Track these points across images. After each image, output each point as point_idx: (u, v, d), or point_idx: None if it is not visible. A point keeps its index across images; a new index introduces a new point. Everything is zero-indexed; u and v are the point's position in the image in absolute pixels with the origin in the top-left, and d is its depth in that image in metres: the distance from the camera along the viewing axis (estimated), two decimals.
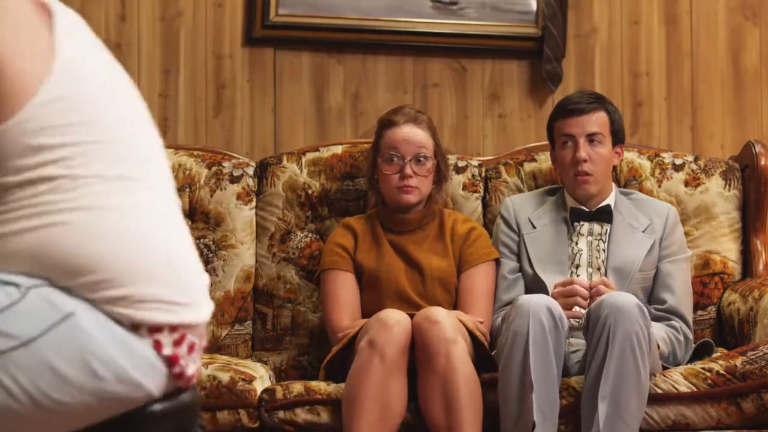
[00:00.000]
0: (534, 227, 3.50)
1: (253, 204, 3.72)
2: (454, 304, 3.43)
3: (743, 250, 3.71)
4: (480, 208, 3.72)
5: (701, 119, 4.12)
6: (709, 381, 3.09)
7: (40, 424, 1.60)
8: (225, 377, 3.15)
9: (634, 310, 2.97)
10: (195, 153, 3.77)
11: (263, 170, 3.74)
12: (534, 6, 4.02)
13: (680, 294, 3.44)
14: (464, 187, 3.73)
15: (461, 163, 3.76)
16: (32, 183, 1.60)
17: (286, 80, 4.04)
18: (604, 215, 3.47)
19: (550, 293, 3.24)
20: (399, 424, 3.05)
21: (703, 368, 3.12)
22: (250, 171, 3.74)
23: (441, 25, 4.02)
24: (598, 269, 3.42)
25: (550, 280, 3.34)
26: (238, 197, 3.70)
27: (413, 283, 3.42)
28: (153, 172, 1.72)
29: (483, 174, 3.77)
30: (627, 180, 3.73)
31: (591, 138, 3.44)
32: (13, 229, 1.60)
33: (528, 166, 3.77)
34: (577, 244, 3.46)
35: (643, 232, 3.47)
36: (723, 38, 4.13)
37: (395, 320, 3.07)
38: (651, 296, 3.45)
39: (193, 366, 1.70)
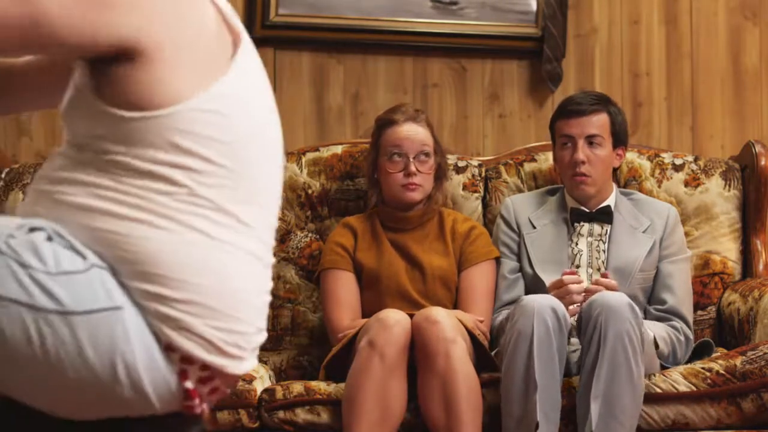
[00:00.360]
0: (534, 227, 3.50)
1: None
2: (455, 303, 3.43)
3: (743, 250, 3.71)
4: (480, 208, 3.72)
5: (701, 119, 4.12)
6: (709, 381, 3.09)
7: (46, 390, 1.61)
8: None
9: (625, 309, 2.98)
10: None
11: None
12: (534, 6, 4.02)
13: (680, 294, 3.44)
14: (464, 187, 3.73)
15: (461, 163, 3.76)
16: (154, 177, 1.62)
17: (286, 80, 4.04)
18: (605, 216, 3.47)
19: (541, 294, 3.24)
20: (399, 424, 3.06)
21: (702, 368, 3.12)
22: None
23: (441, 25, 4.02)
24: (598, 270, 3.42)
25: (550, 280, 3.34)
26: None
27: (414, 282, 3.42)
28: (262, 224, 1.74)
29: (483, 174, 3.77)
30: (627, 180, 3.73)
31: (590, 140, 3.44)
32: (113, 210, 1.61)
33: (528, 166, 3.77)
34: (577, 244, 3.46)
35: (643, 232, 3.47)
36: (723, 38, 4.13)
37: (395, 320, 3.08)
38: (651, 296, 3.46)
39: (206, 405, 1.70)
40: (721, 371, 3.09)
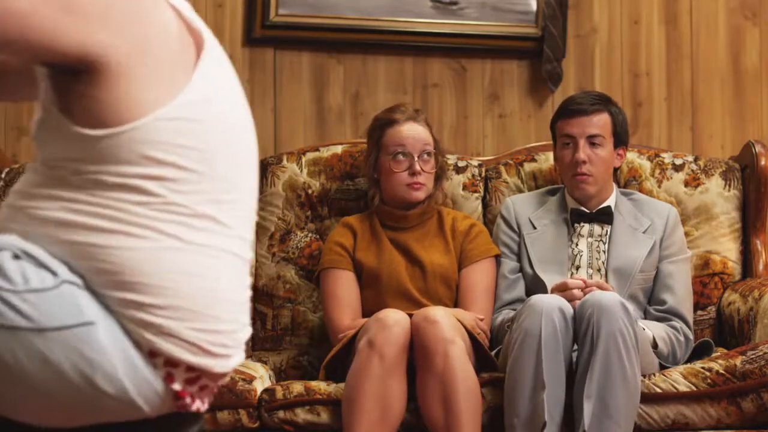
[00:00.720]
0: (534, 228, 3.50)
1: None
2: (455, 301, 3.43)
3: (743, 250, 3.71)
4: (480, 208, 3.72)
5: (701, 119, 4.12)
6: (709, 380, 3.09)
7: (28, 405, 1.61)
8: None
9: (618, 308, 2.98)
10: None
11: (263, 170, 3.74)
12: (534, 6, 4.02)
13: (680, 294, 3.44)
14: (464, 187, 3.73)
15: (461, 163, 3.76)
16: (128, 189, 1.62)
17: (286, 80, 4.04)
18: (605, 216, 3.47)
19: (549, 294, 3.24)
20: (399, 424, 3.06)
21: (702, 368, 3.12)
22: None
23: (441, 25, 4.02)
24: (599, 270, 3.42)
25: (550, 280, 3.34)
26: None
27: (414, 280, 3.42)
28: (240, 222, 1.74)
29: (483, 174, 3.77)
30: (627, 180, 3.73)
31: (591, 139, 3.44)
32: (89, 223, 1.61)
33: (528, 166, 3.77)
34: (577, 245, 3.46)
35: (643, 232, 3.47)
36: (723, 38, 4.13)
37: (394, 320, 3.08)
38: (651, 297, 3.45)
39: (199, 403, 1.70)
40: (721, 371, 3.09)
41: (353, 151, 3.72)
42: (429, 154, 3.47)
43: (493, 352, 3.27)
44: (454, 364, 3.01)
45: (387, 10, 4.00)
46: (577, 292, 3.15)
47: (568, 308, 3.04)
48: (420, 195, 3.46)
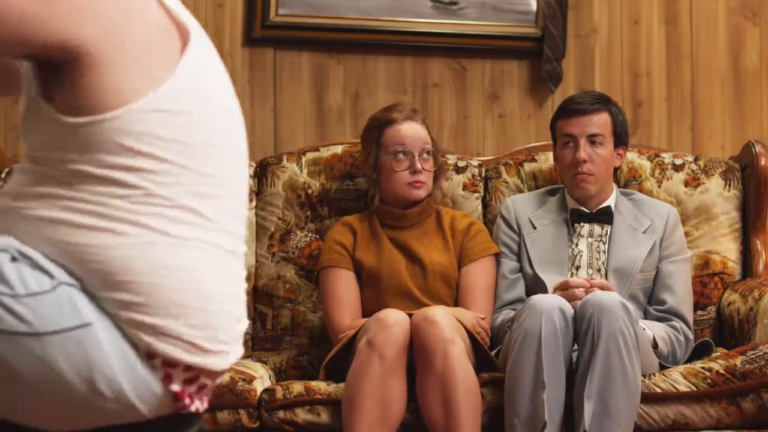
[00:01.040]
0: (534, 228, 3.50)
1: (253, 204, 3.73)
2: (455, 299, 3.43)
3: (743, 250, 3.71)
4: (480, 208, 3.72)
5: (701, 119, 4.12)
6: (709, 380, 3.09)
7: (26, 408, 1.61)
8: (225, 377, 3.15)
9: (618, 308, 2.98)
10: None
11: (263, 170, 3.75)
12: (534, 6, 4.02)
13: (681, 294, 3.44)
14: (464, 187, 3.73)
15: (461, 163, 3.76)
16: (108, 182, 1.61)
17: (286, 80, 4.04)
18: (605, 216, 3.47)
19: (550, 294, 3.24)
20: (399, 424, 3.06)
21: (702, 368, 3.12)
22: (250, 171, 3.74)
23: (441, 25, 4.02)
24: (599, 270, 3.42)
25: (550, 280, 3.35)
26: None
27: (414, 279, 3.42)
28: (229, 216, 1.72)
29: (483, 174, 3.77)
30: (627, 180, 3.73)
31: (592, 139, 3.44)
32: (73, 220, 1.61)
33: (528, 166, 3.77)
34: (577, 245, 3.46)
35: (643, 232, 3.47)
36: (723, 38, 4.13)
37: (394, 320, 3.08)
38: (651, 297, 3.45)
39: (198, 403, 1.70)
40: (721, 371, 3.09)
41: (353, 151, 3.72)
42: (429, 152, 3.48)
43: (493, 352, 3.27)
44: (453, 364, 3.01)
45: (387, 10, 4.00)
46: (578, 291, 3.15)
47: (568, 308, 3.05)
48: (421, 193, 3.46)
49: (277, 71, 4.03)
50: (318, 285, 3.54)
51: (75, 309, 1.58)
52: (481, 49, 4.07)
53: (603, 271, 3.41)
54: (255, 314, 3.69)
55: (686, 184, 3.73)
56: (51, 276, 1.59)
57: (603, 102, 3.49)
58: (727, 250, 3.69)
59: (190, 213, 1.66)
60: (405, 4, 4.01)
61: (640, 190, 3.68)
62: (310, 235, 3.71)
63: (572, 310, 3.05)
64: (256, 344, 3.69)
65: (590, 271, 3.42)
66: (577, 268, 3.43)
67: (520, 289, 3.45)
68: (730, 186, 3.72)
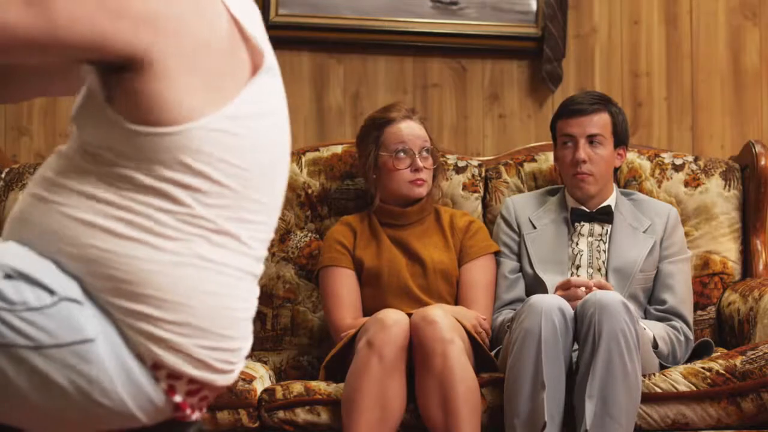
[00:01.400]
0: (534, 227, 3.50)
1: None
2: (456, 297, 3.44)
3: (743, 250, 3.71)
4: (480, 208, 3.72)
5: (701, 119, 4.12)
6: (709, 380, 3.09)
7: (26, 417, 1.61)
8: None
9: (619, 308, 2.98)
10: None
11: None
12: (534, 6, 4.02)
13: (681, 294, 3.44)
14: (464, 187, 3.73)
15: (461, 163, 3.76)
16: (158, 194, 1.60)
17: (286, 80, 3.97)
18: (605, 216, 3.47)
19: (550, 293, 3.24)
20: (398, 424, 3.06)
21: (702, 368, 3.12)
22: None
23: (441, 25, 4.02)
24: (599, 270, 3.42)
25: (551, 280, 3.35)
26: None
27: (415, 277, 3.42)
28: (260, 243, 1.73)
29: (483, 174, 3.77)
30: (627, 180, 3.73)
31: (591, 139, 3.44)
32: (111, 228, 1.60)
33: (528, 166, 3.77)
34: (577, 244, 3.46)
35: (643, 232, 3.47)
36: (723, 38, 4.13)
37: (393, 320, 3.08)
38: (651, 297, 3.46)
39: (198, 413, 1.70)
40: (721, 371, 3.09)
41: (353, 151, 3.72)
42: (428, 150, 3.49)
43: (493, 352, 3.27)
44: (452, 364, 3.01)
45: (387, 10, 4.00)
46: (580, 291, 3.15)
47: (568, 308, 3.05)
48: (422, 191, 3.47)
49: None
50: (318, 284, 3.54)
51: (76, 324, 1.57)
52: (481, 49, 4.07)
53: (603, 271, 3.41)
54: (255, 314, 3.68)
55: (686, 184, 3.73)
56: (51, 292, 1.58)
57: (603, 102, 3.49)
58: (727, 250, 3.69)
59: (230, 238, 1.66)
60: (405, 4, 4.01)
61: (640, 190, 3.68)
62: (309, 234, 3.71)
63: (572, 310, 3.05)
64: (256, 344, 3.67)
65: (590, 271, 3.42)
66: (578, 267, 3.43)
67: (520, 289, 3.46)
68: (730, 186, 3.72)
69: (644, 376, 3.07)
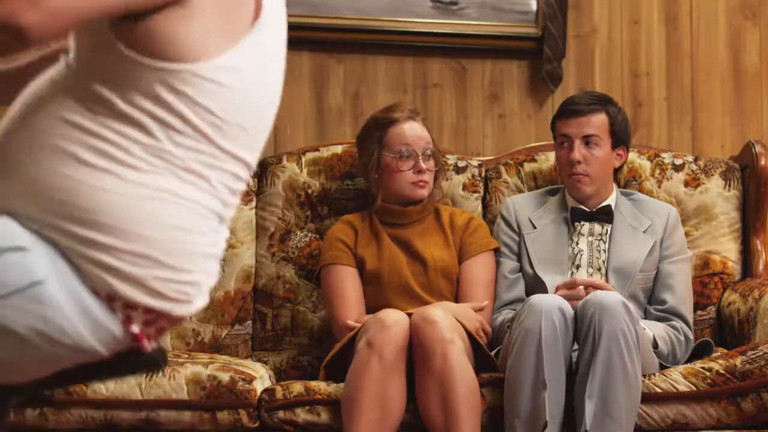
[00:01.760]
0: (534, 227, 3.50)
1: (253, 204, 3.73)
2: (456, 295, 3.44)
3: (743, 250, 3.71)
4: (480, 208, 3.72)
5: (701, 119, 4.12)
6: (709, 380, 3.09)
7: None
8: (225, 377, 3.15)
9: (619, 308, 2.98)
10: None
11: (263, 170, 3.75)
12: (534, 6, 4.02)
13: (681, 294, 3.44)
14: (464, 187, 3.73)
15: (461, 163, 3.76)
16: (133, 123, 1.61)
17: (286, 80, 3.99)
18: (605, 215, 3.47)
19: (550, 293, 3.24)
20: (398, 424, 3.06)
21: (702, 368, 3.12)
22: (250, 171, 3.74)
23: (441, 25, 4.02)
24: (599, 270, 3.42)
25: (550, 280, 3.35)
26: None
27: (416, 276, 3.42)
28: (231, 191, 1.73)
29: (483, 174, 3.77)
30: (627, 180, 3.73)
31: (587, 140, 3.44)
32: (81, 156, 1.60)
33: (528, 166, 3.77)
34: (577, 244, 3.46)
35: (644, 232, 3.47)
36: (723, 38, 4.13)
37: (393, 320, 3.08)
38: (651, 297, 3.46)
39: (155, 343, 1.70)
40: (721, 371, 3.09)
41: (353, 151, 3.72)
42: (431, 152, 3.49)
43: (492, 352, 3.27)
44: (452, 364, 3.01)
45: (387, 10, 4.00)
46: (581, 292, 3.15)
47: (568, 308, 3.05)
48: (424, 193, 3.48)
49: None
50: (319, 284, 3.54)
51: (24, 269, 1.57)
52: (481, 49, 4.07)
53: (603, 271, 3.41)
54: (255, 314, 3.69)
55: (686, 184, 3.73)
56: None
57: (601, 102, 3.49)
58: (727, 250, 3.69)
59: (198, 178, 1.66)
60: (405, 4, 4.01)
61: (640, 191, 3.67)
62: (310, 234, 3.71)
63: (572, 310, 3.05)
64: (256, 344, 3.69)
65: (590, 271, 3.42)
66: (578, 267, 3.43)
67: (520, 289, 3.46)
68: (730, 186, 3.72)
69: (644, 376, 3.07)
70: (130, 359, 1.71)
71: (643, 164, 3.75)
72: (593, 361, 2.95)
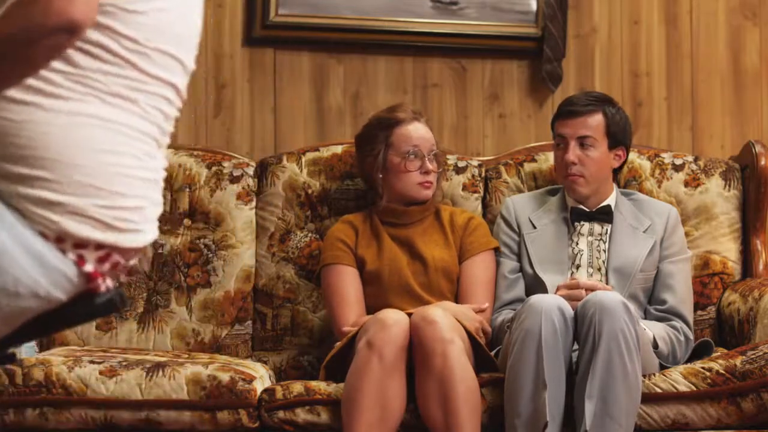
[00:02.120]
0: (534, 227, 3.50)
1: (253, 204, 3.73)
2: (456, 294, 3.44)
3: (743, 250, 3.71)
4: (480, 208, 3.72)
5: (701, 119, 4.12)
6: (709, 380, 3.09)
7: None
8: (225, 377, 3.15)
9: (619, 308, 2.98)
10: (195, 153, 3.77)
11: (263, 170, 3.75)
12: (534, 6, 4.02)
13: (681, 294, 3.45)
14: (464, 187, 3.73)
15: (461, 163, 3.76)
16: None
17: (286, 80, 4.04)
18: (605, 215, 3.47)
19: (550, 293, 3.24)
20: (398, 425, 3.06)
21: (702, 368, 3.12)
22: (250, 171, 3.74)
23: (441, 25, 4.02)
24: (599, 269, 3.42)
25: (550, 280, 3.35)
26: (238, 197, 3.71)
27: (416, 275, 3.43)
28: (164, 115, 1.72)
29: (483, 174, 3.77)
30: (627, 180, 3.73)
31: (582, 141, 3.44)
32: (6, 94, 1.59)
33: (528, 166, 3.77)
34: (577, 244, 3.46)
35: (644, 232, 3.47)
36: (723, 38, 4.13)
37: (394, 320, 3.08)
38: (651, 297, 3.46)
39: (111, 281, 1.70)
40: (721, 371, 3.09)
41: (353, 151, 3.72)
42: (436, 154, 3.50)
43: (492, 352, 3.27)
44: (452, 364, 3.01)
45: (387, 10, 4.00)
46: (582, 293, 3.16)
47: (568, 308, 3.05)
48: (429, 193, 3.49)
49: (277, 71, 4.03)
50: (319, 283, 3.54)
51: None
52: (481, 49, 4.07)
53: (603, 271, 3.41)
54: (255, 314, 3.69)
55: (686, 184, 3.73)
56: None
57: (599, 103, 3.48)
58: (727, 250, 3.69)
59: (125, 101, 1.66)
60: (405, 4, 4.01)
61: (640, 190, 3.68)
62: (310, 235, 3.71)
63: (572, 311, 3.05)
64: (256, 344, 3.69)
65: (590, 271, 3.42)
66: (578, 267, 3.43)
67: (519, 289, 3.46)
68: (730, 186, 3.72)
69: (644, 376, 3.07)
70: (87, 302, 1.69)
71: (643, 164, 3.75)
72: (593, 361, 2.95)
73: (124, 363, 3.19)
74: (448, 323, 3.08)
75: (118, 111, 1.65)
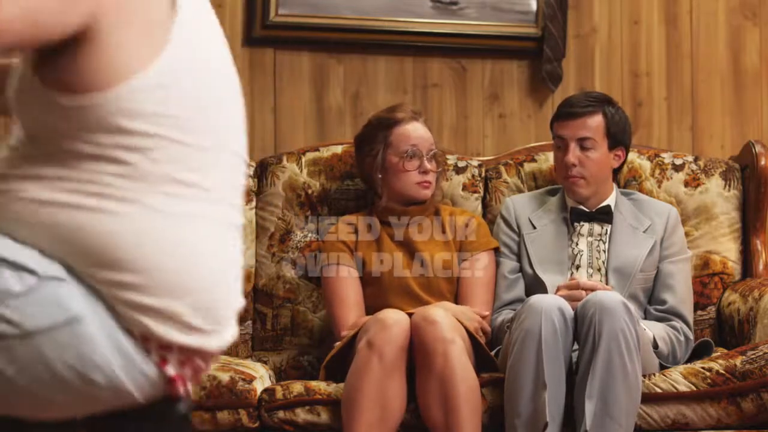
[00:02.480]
0: (534, 227, 3.50)
1: (253, 204, 3.73)
2: (456, 294, 3.44)
3: (743, 250, 3.71)
4: (480, 208, 3.72)
5: (701, 119, 4.12)
6: (709, 380, 3.09)
7: (20, 405, 1.59)
8: (225, 377, 3.15)
9: (620, 308, 2.98)
10: None
11: (263, 170, 3.74)
12: (534, 6, 4.02)
13: (681, 294, 3.45)
14: (464, 187, 3.73)
15: (461, 163, 3.76)
16: (106, 160, 1.58)
17: (286, 80, 4.04)
18: (605, 215, 3.47)
19: (550, 294, 3.24)
20: (398, 425, 3.06)
21: (702, 368, 3.12)
22: (250, 171, 3.74)
23: (441, 25, 4.02)
24: (599, 270, 3.42)
25: (550, 280, 3.35)
26: None
27: (416, 275, 3.43)
28: (227, 185, 1.69)
29: (483, 174, 3.77)
30: (627, 180, 3.73)
31: (582, 142, 3.44)
32: (69, 201, 1.57)
33: (528, 167, 3.77)
34: (577, 244, 3.46)
35: (643, 232, 3.47)
36: (723, 38, 4.13)
37: (394, 320, 3.08)
38: (651, 297, 3.46)
39: (190, 386, 1.68)
40: (721, 371, 3.09)
41: (353, 151, 3.72)
42: (435, 153, 3.50)
43: (492, 352, 3.27)
44: (453, 364, 3.01)
45: (387, 10, 4.00)
46: (582, 293, 3.16)
47: (568, 308, 3.05)
48: (428, 193, 3.49)
49: (277, 71, 4.03)
50: (319, 283, 3.54)
51: (62, 304, 1.55)
52: (481, 49, 4.07)
53: (603, 271, 3.41)
54: (255, 314, 3.69)
55: (686, 184, 3.73)
56: (33, 273, 1.55)
57: (598, 103, 3.48)
58: (727, 250, 3.69)
59: (189, 187, 1.62)
60: (405, 4, 4.01)
61: (640, 190, 3.68)
62: (309, 235, 3.71)
63: (572, 311, 3.05)
64: (256, 344, 3.69)
65: (590, 271, 3.42)
66: (577, 267, 3.43)
67: (519, 289, 3.46)
68: (730, 186, 3.72)
69: (644, 376, 3.08)
70: (164, 408, 1.68)
71: (643, 164, 3.75)
72: (593, 362, 2.95)
73: None
74: (449, 323, 3.08)
75: (184, 202, 1.62)
